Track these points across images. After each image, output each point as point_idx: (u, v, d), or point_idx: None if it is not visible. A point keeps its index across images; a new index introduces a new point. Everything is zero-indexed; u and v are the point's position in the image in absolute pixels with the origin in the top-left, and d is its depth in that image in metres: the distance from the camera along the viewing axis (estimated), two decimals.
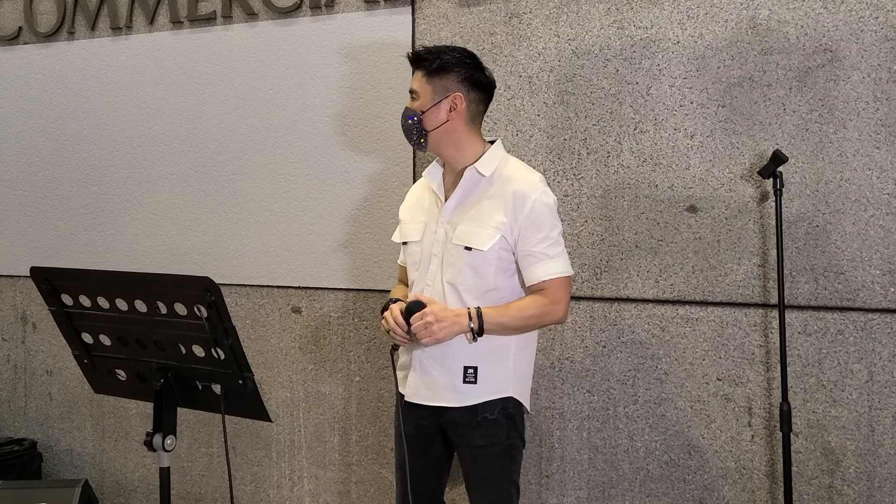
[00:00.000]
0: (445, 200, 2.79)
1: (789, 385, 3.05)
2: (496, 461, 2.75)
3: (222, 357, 2.35)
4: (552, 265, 2.69)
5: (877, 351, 3.02)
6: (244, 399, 2.41)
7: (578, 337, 3.43)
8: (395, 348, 2.76)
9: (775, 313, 3.08)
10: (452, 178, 2.82)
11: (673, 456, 3.31)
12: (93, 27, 4.40)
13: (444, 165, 2.87)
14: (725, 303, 3.21)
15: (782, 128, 3.11)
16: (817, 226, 3.07)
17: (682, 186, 3.25)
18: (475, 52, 3.44)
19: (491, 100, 2.87)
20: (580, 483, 3.45)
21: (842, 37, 3.02)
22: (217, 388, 2.43)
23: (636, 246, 3.32)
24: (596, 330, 3.40)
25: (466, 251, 2.69)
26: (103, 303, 2.44)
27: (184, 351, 2.41)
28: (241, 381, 2.37)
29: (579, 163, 3.39)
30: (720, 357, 3.22)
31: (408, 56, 2.81)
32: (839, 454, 3.08)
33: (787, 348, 3.01)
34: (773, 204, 3.00)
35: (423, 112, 2.73)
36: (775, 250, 3.00)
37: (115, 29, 4.34)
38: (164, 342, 2.41)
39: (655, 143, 3.28)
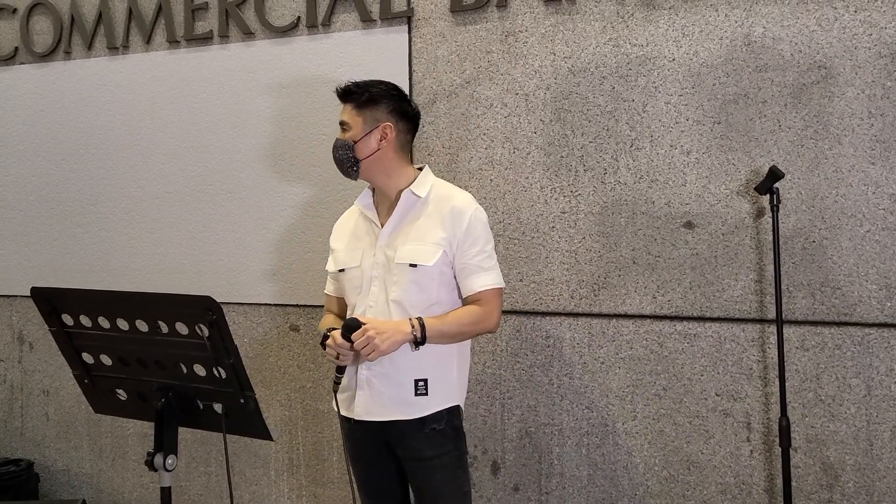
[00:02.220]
0: (381, 225, 2.87)
1: (788, 400, 3.06)
2: (447, 472, 2.83)
3: (224, 376, 2.34)
4: (487, 277, 2.82)
5: (874, 365, 3.03)
6: (245, 418, 2.41)
7: (577, 353, 3.43)
8: (339, 371, 2.77)
9: (773, 328, 3.09)
10: (385, 203, 2.91)
11: (672, 472, 3.31)
12: (89, 47, 4.41)
13: (373, 193, 2.96)
14: (723, 318, 3.22)
15: (778, 144, 3.13)
16: (814, 241, 3.09)
17: (679, 203, 3.26)
18: (472, 69, 3.47)
19: (417, 129, 2.99)
20: (580, 500, 3.44)
21: (836, 54, 3.05)
22: (218, 408, 2.42)
23: (633, 262, 3.33)
24: (594, 346, 3.41)
25: (411, 268, 2.78)
26: (104, 323, 2.44)
27: (185, 370, 2.40)
28: (242, 401, 2.36)
29: (576, 180, 3.41)
30: (718, 372, 3.23)
31: (337, 91, 2.88)
32: (838, 469, 3.09)
33: (785, 363, 3.02)
34: (770, 220, 3.02)
35: (354, 142, 2.83)
36: (772, 266, 3.02)
37: (112, 48, 4.35)
38: (165, 361, 2.41)
39: (652, 160, 3.30)
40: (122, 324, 2.41)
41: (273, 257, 4.02)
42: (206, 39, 4.12)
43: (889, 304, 3.00)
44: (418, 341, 2.70)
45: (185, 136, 4.20)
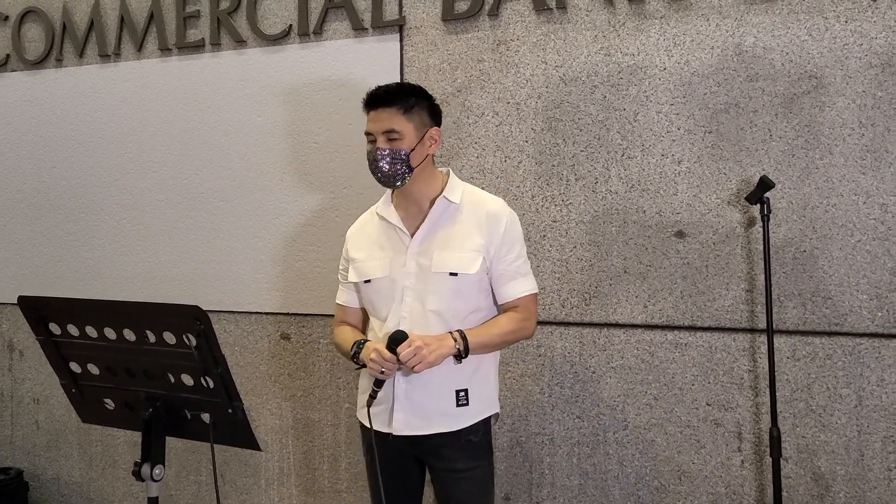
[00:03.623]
0: (410, 233, 2.79)
1: (778, 410, 3.05)
2: (478, 485, 2.80)
3: (211, 386, 2.33)
4: (525, 283, 2.78)
5: (865, 375, 3.03)
6: (233, 428, 2.39)
7: (568, 363, 3.42)
8: (377, 385, 2.66)
9: (764, 338, 3.08)
10: (411, 209, 2.81)
11: (663, 482, 3.30)
12: (81, 54, 4.40)
13: (393, 201, 2.86)
14: (714, 328, 3.22)
15: (769, 154, 3.13)
16: (804, 251, 3.09)
17: (670, 212, 3.26)
18: (464, 78, 3.47)
19: None
20: None
21: (827, 63, 3.05)
22: (206, 417, 2.41)
23: (625, 271, 3.33)
24: (585, 355, 3.40)
25: (451, 276, 2.70)
26: (91, 332, 2.42)
27: (173, 380, 2.39)
28: (230, 410, 2.34)
29: (567, 189, 3.41)
30: (709, 382, 3.23)
31: (371, 95, 2.73)
32: (829, 479, 3.09)
33: (775, 373, 3.02)
34: (761, 229, 3.02)
35: (411, 150, 2.69)
36: (763, 275, 3.01)
37: (104, 56, 4.35)
38: (152, 371, 2.40)
39: (643, 169, 3.30)
40: (110, 333, 2.39)
41: (264, 266, 4.01)
42: (197, 47, 4.12)
43: (880, 314, 3.00)
44: (461, 355, 2.65)
45: (176, 144, 4.19)
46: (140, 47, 4.26)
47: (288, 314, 3.98)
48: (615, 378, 3.36)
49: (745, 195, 3.07)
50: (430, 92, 2.83)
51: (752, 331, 3.17)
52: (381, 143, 2.70)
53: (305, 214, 3.91)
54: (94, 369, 2.51)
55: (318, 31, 3.86)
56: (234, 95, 4.05)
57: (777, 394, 3.03)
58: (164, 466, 2.42)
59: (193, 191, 4.16)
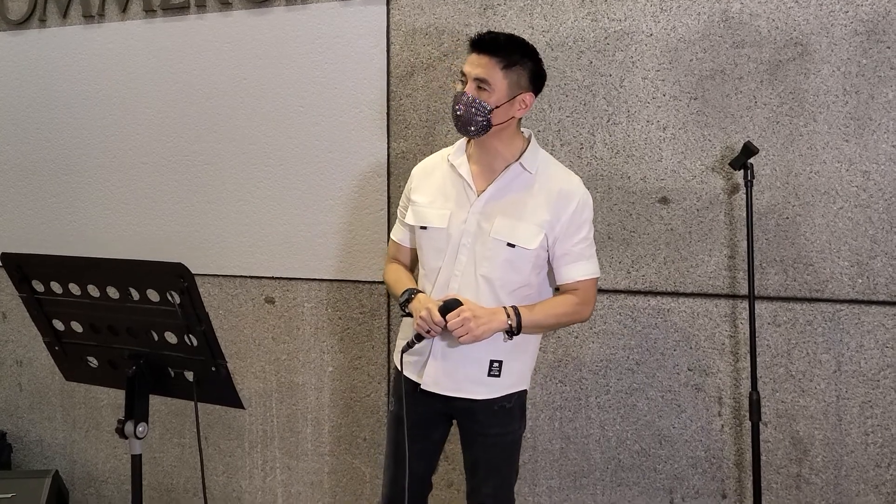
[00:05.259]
0: (477, 190, 2.72)
1: (759, 375, 3.09)
2: (507, 451, 2.80)
3: (195, 344, 2.33)
4: (588, 266, 2.71)
5: (844, 341, 3.06)
6: (217, 386, 2.40)
7: None
8: (418, 340, 2.65)
9: (745, 304, 3.11)
10: (484, 166, 2.74)
11: (644, 445, 3.33)
12: (64, 15, 4.36)
13: (467, 151, 2.78)
14: (696, 294, 3.24)
15: (753, 120, 3.14)
16: (787, 217, 3.11)
17: (655, 178, 3.27)
18: (450, 42, 3.45)
19: None
20: (552, 472, 3.47)
21: (812, 31, 3.06)
22: (190, 376, 2.41)
23: (609, 237, 3.34)
24: None
25: (508, 247, 2.65)
26: (75, 289, 2.42)
27: (156, 338, 2.39)
28: (213, 368, 2.35)
29: (553, 154, 3.39)
30: (691, 347, 3.25)
31: (479, 38, 2.62)
32: (807, 443, 3.12)
33: (756, 339, 3.04)
34: (744, 196, 3.03)
35: (496, 107, 2.60)
36: (745, 242, 3.03)
37: (88, 17, 4.30)
38: (136, 329, 2.40)
39: (628, 135, 3.30)
40: (93, 290, 2.39)
41: (249, 229, 4.00)
42: (182, 9, 4.09)
43: (860, 281, 3.02)
44: (513, 332, 2.62)
45: (160, 107, 4.17)
46: (125, 8, 4.22)
47: (272, 278, 3.98)
48: (598, 343, 3.39)
49: (728, 161, 3.08)
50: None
51: (733, 297, 3.19)
52: (470, 88, 2.61)
53: (290, 178, 3.90)
54: (77, 327, 2.51)
55: None
56: (219, 58, 4.03)
57: (757, 359, 3.06)
58: (147, 424, 2.43)
59: (177, 153, 4.14)
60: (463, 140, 2.80)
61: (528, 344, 2.78)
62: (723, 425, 3.23)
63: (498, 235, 2.65)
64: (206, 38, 4.05)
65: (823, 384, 3.09)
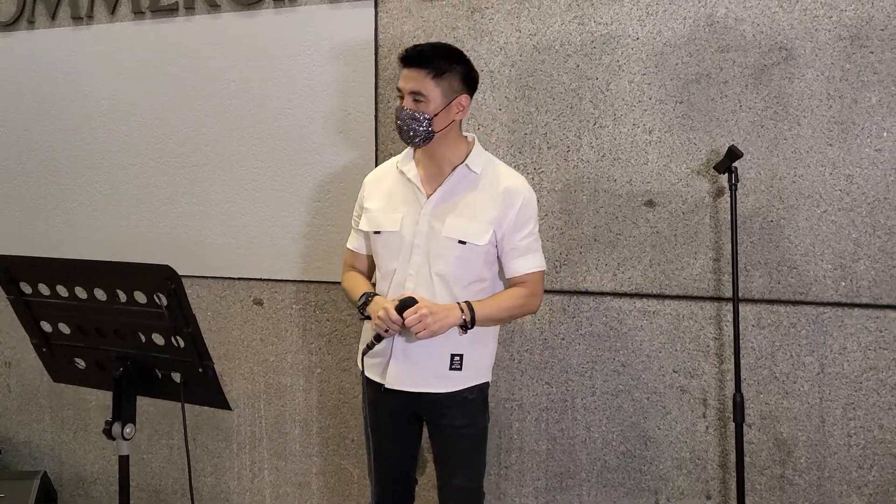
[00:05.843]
0: (426, 193, 2.83)
1: (743, 377, 3.11)
2: (473, 442, 2.89)
3: (182, 345, 2.35)
4: (534, 259, 2.84)
5: (828, 344, 3.08)
6: (204, 387, 2.41)
7: (537, 329, 3.46)
8: (378, 340, 2.75)
9: (730, 307, 3.13)
10: (431, 170, 2.86)
11: (629, 447, 3.35)
12: (53, 16, 4.36)
13: (414, 157, 2.90)
14: (682, 296, 3.26)
15: (738, 124, 3.16)
16: (771, 221, 3.13)
17: (641, 181, 3.29)
18: None
19: None
20: (538, 473, 3.49)
21: (797, 35, 3.08)
22: (177, 377, 2.43)
23: (595, 240, 3.36)
24: (555, 322, 3.44)
25: (459, 244, 2.76)
26: (62, 291, 2.43)
27: (143, 339, 2.40)
28: (201, 370, 2.37)
29: (540, 157, 3.43)
30: (676, 349, 3.28)
31: (406, 54, 2.76)
32: (791, 445, 3.15)
33: (740, 341, 3.07)
34: (729, 199, 3.05)
35: (434, 115, 2.73)
36: (730, 245, 3.05)
37: (76, 18, 4.30)
38: (123, 330, 2.41)
39: (614, 139, 3.32)
40: (81, 292, 2.40)
41: (237, 231, 4.01)
42: (171, 11, 4.09)
43: (843, 284, 3.05)
44: (467, 326, 2.72)
45: (149, 108, 4.17)
46: (113, 10, 4.22)
47: (260, 279, 3.99)
48: (584, 345, 3.41)
49: (713, 165, 3.10)
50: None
51: (718, 299, 3.22)
52: (407, 102, 2.75)
53: (278, 180, 3.91)
54: (65, 329, 2.52)
55: None
56: (208, 60, 4.03)
57: (742, 361, 3.08)
58: (134, 425, 2.45)
59: (166, 155, 4.14)
60: (409, 148, 2.91)
61: (487, 338, 2.90)
62: (707, 427, 3.25)
63: (449, 234, 2.77)
64: (195, 39, 4.05)
65: (807, 386, 3.12)
